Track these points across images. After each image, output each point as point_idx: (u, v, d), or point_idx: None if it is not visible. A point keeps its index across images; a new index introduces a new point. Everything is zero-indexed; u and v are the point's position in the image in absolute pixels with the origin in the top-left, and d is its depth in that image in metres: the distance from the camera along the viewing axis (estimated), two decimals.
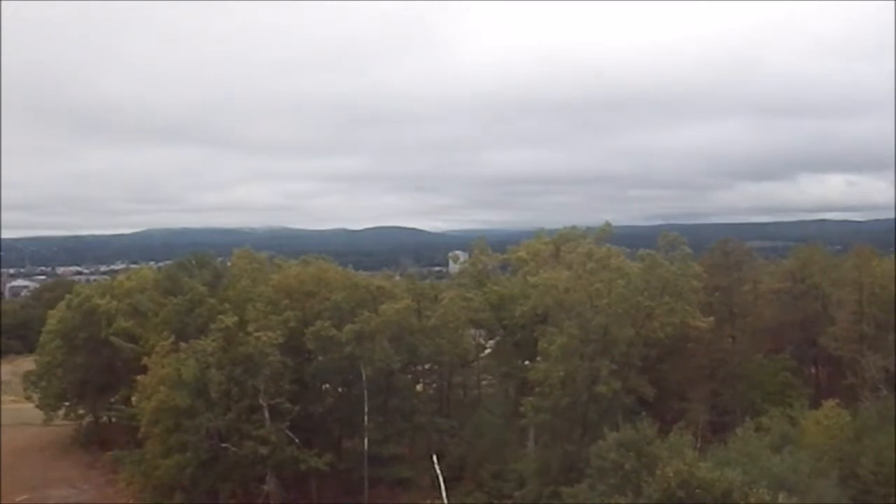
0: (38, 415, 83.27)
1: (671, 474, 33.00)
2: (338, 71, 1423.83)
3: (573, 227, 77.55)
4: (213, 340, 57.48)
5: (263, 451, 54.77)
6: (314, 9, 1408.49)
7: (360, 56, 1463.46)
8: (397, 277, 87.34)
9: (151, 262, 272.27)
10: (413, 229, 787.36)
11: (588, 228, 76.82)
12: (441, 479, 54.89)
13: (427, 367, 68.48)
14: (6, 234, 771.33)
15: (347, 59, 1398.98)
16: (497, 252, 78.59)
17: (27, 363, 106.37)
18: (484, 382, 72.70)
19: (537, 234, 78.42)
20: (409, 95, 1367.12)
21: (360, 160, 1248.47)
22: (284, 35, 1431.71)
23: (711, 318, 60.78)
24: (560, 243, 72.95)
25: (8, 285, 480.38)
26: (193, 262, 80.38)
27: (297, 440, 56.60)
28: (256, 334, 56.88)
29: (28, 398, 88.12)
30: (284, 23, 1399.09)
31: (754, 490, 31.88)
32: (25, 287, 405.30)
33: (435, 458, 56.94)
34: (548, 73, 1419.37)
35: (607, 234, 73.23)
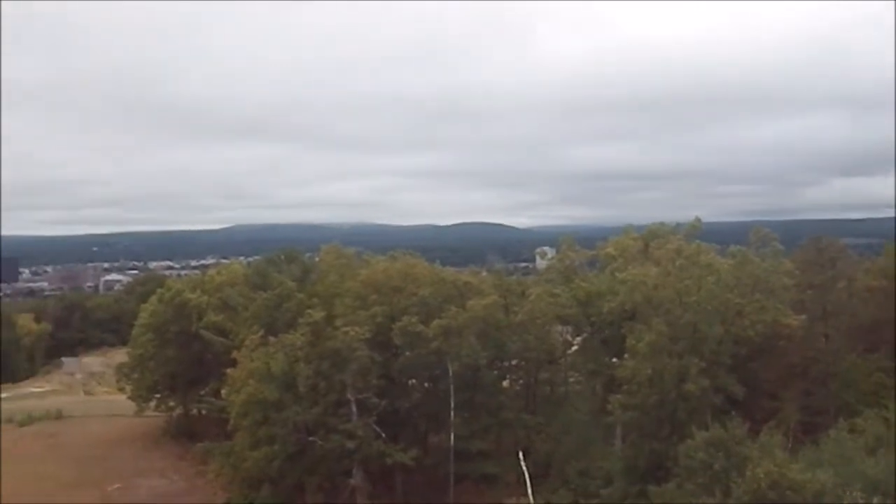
0: (131, 406, 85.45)
1: (761, 475, 32.68)
2: (424, 67, 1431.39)
3: (662, 224, 76.90)
4: (301, 335, 58.22)
5: (350, 445, 55.35)
6: (399, 7, 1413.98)
7: (445, 53, 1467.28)
8: (484, 273, 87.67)
9: (240, 258, 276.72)
10: (499, 225, 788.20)
11: (677, 224, 76.16)
12: (527, 476, 54.90)
13: (514, 363, 68.49)
14: (102, 230, 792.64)
15: (433, 56, 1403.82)
16: (584, 248, 78.28)
17: (120, 355, 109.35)
18: (571, 379, 72.43)
19: (625, 230, 77.90)
20: (495, 91, 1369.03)
21: (446, 156, 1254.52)
22: (370, 32, 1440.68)
23: (803, 316, 59.82)
24: (649, 239, 72.41)
25: (102, 279, 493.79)
26: (282, 257, 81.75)
27: (383, 435, 57.10)
28: (344, 329, 57.44)
29: (120, 390, 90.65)
30: (370, 21, 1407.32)
31: (848, 493, 31.42)
32: (119, 281, 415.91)
33: (521, 454, 56.93)
34: (634, 69, 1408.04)
35: (697, 231, 72.44)
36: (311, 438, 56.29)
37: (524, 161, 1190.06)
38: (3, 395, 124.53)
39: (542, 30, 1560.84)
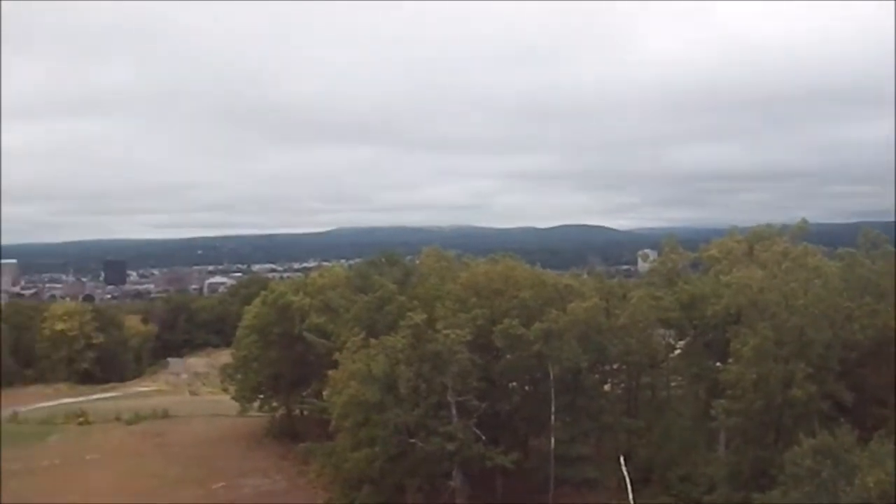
0: (234, 406, 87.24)
1: (871, 484, 32.21)
2: (524, 68, 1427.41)
3: (767, 225, 75.83)
4: (402, 337, 58.75)
5: (450, 447, 55.69)
6: (499, 7, 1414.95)
7: (545, 52, 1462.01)
8: (585, 276, 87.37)
9: (342, 260, 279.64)
10: (600, 227, 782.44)
11: (783, 226, 74.99)
12: (628, 481, 54.63)
13: (615, 366, 68.18)
14: (207, 234, 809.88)
15: (533, 56, 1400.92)
16: (687, 250, 77.50)
17: (224, 356, 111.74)
18: (673, 384, 71.84)
19: (730, 231, 76.94)
20: (595, 91, 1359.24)
21: (546, 158, 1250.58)
22: (470, 33, 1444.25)
23: None
24: (753, 241, 71.44)
25: (207, 282, 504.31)
26: (384, 260, 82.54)
27: (483, 437, 57.26)
28: (445, 332, 57.75)
29: (224, 390, 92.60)
30: (470, 21, 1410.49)
31: None
32: (223, 283, 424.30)
33: (622, 459, 56.67)
34: (735, 66, 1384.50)
35: (803, 232, 71.28)
36: (411, 440, 56.77)
37: (625, 162, 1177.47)
38: (112, 395, 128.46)
39: (642, 28, 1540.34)
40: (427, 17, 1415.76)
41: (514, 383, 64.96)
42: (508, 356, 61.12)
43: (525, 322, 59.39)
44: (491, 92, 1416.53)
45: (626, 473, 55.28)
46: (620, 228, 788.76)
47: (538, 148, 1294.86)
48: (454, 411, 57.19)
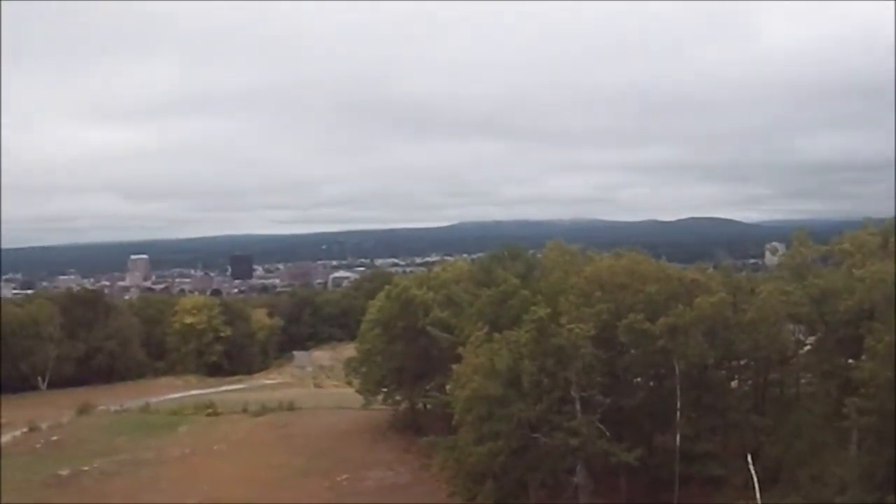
0: (358, 399, 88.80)
1: None
2: (648, 59, 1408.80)
3: None
4: (525, 331, 59.10)
5: (574, 442, 55.76)
6: None
7: (668, 44, 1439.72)
8: (711, 269, 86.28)
9: (464, 255, 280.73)
10: (726, 220, 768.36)
11: None
12: (755, 480, 53.88)
13: (742, 362, 67.18)
14: (331, 229, 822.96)
15: (656, 48, 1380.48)
16: (817, 244, 75.80)
17: (348, 350, 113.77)
18: (802, 381, 70.31)
19: (863, 224, 74.95)
20: (722, 81, 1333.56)
21: (670, 149, 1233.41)
22: (595, 25, 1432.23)
23: None
24: (889, 234, 69.57)
25: (331, 276, 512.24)
26: (506, 254, 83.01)
27: (607, 433, 57.16)
28: (569, 326, 57.82)
29: (349, 383, 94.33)
30: (594, 14, 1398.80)
31: None
32: (347, 278, 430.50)
33: (749, 457, 55.90)
34: (871, 52, 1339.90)
35: None
36: (534, 435, 57.05)
37: (752, 153, 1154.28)
38: (239, 387, 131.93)
39: (772, 15, 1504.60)
40: (549, 11, 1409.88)
41: (639, 379, 64.66)
42: (633, 351, 60.94)
43: (650, 317, 59.03)
44: (614, 84, 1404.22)
45: (753, 472, 54.48)
46: (747, 221, 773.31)
47: (662, 140, 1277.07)
48: (578, 406, 57.26)
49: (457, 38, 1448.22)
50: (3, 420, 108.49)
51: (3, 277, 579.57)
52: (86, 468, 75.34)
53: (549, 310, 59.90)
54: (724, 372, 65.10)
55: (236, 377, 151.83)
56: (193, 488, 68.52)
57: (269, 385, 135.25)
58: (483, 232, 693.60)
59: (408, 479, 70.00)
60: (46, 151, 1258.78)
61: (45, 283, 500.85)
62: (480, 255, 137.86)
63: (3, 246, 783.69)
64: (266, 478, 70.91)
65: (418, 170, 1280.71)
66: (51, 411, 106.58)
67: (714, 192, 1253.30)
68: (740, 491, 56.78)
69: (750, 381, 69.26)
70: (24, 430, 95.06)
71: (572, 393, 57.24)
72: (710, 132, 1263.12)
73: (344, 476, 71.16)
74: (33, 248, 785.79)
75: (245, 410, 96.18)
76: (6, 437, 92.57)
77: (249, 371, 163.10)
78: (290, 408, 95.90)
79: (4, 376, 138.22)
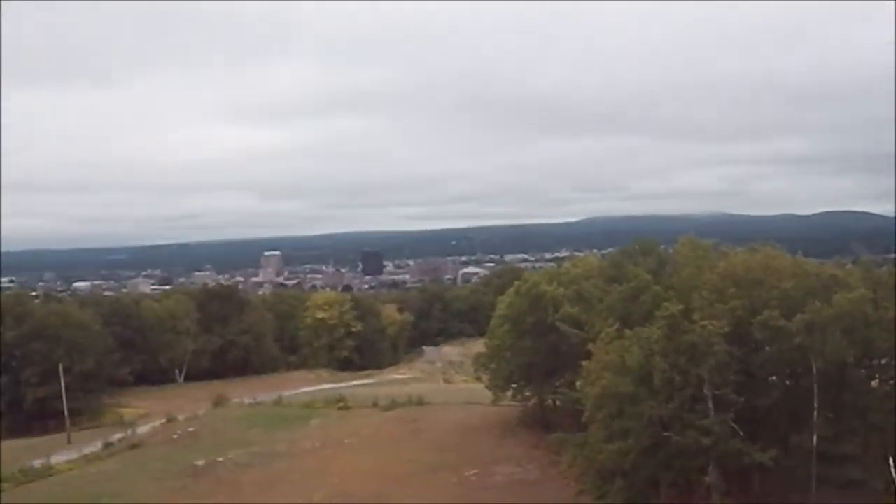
0: (487, 395, 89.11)
1: None
2: (779, 50, 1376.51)
3: None
4: (657, 328, 58.38)
5: (706, 441, 54.85)
6: None
7: (800, 34, 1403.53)
8: (850, 265, 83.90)
9: (594, 250, 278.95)
10: (865, 213, 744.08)
11: None
12: None
13: (883, 361, 64.92)
14: (460, 224, 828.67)
15: (788, 38, 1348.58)
16: None
17: (477, 346, 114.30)
18: None
19: None
20: (855, 71, 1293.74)
21: (806, 141, 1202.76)
22: (727, 16, 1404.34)
23: None
24: None
25: (461, 272, 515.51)
26: (638, 249, 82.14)
27: (741, 432, 56.08)
28: (702, 323, 56.87)
29: (478, 379, 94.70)
30: (722, 5, 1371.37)
31: None
32: (476, 274, 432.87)
33: (891, 460, 54.26)
34: None
35: None
36: (665, 433, 56.28)
37: (891, 143, 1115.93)
38: (370, 381, 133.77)
39: None
40: (680, 3, 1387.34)
41: (774, 377, 63.13)
42: (768, 349, 59.46)
43: (786, 313, 57.59)
44: (746, 76, 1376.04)
45: (895, 475, 52.96)
46: (887, 214, 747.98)
47: (800, 131, 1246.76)
48: (710, 405, 56.28)
49: (587, 32, 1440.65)
50: (143, 411, 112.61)
51: (143, 273, 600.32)
52: (220, 459, 77.45)
53: (681, 306, 59.04)
54: (863, 371, 62.94)
55: (367, 372, 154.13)
56: (324, 481, 69.80)
57: (398, 380, 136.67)
58: (613, 227, 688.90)
59: (536, 476, 69.92)
60: (184, 152, 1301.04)
61: (182, 279, 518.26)
62: (611, 250, 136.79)
63: (143, 243, 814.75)
64: (395, 472, 71.74)
65: (548, 165, 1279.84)
66: (187, 403, 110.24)
67: (851, 185, 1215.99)
68: (881, 495, 55.14)
69: (892, 381, 66.99)
70: (163, 420, 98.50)
71: (705, 391, 56.29)
72: (851, 122, 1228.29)
73: (473, 471, 71.46)
74: (171, 245, 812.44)
75: (375, 405, 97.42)
76: (145, 428, 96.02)
77: (380, 366, 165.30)
78: (420, 403, 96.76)
79: (144, 369, 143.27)
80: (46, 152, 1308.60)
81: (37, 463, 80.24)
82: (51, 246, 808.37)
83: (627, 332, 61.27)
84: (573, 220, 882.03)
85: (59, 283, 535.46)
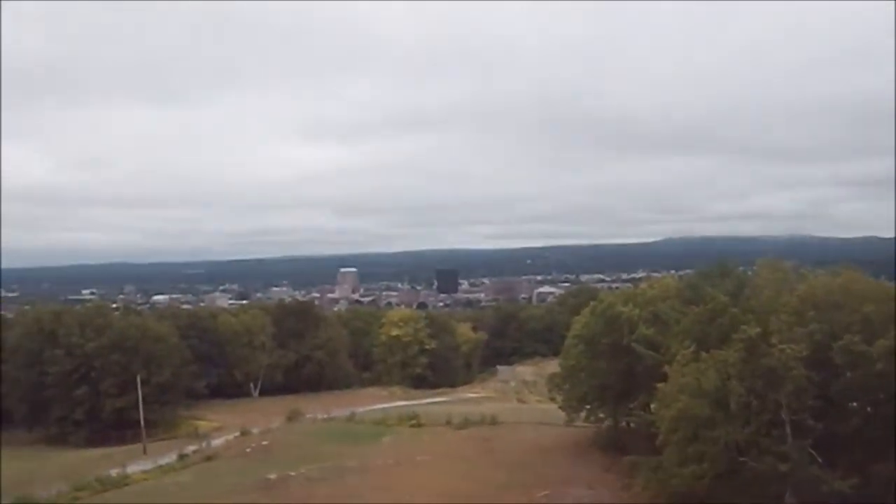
0: (560, 415, 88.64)
1: None
2: (858, 70, 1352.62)
3: None
4: (734, 351, 57.77)
5: (783, 468, 54.11)
6: (832, 8, 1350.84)
7: (883, 52, 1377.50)
8: None
9: (671, 271, 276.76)
10: None
11: None
12: None
13: None
14: (535, 244, 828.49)
15: (871, 57, 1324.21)
16: None
17: (551, 365, 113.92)
18: None
19: None
20: None
21: (888, 163, 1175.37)
22: (801, 37, 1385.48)
23: None
24: None
25: (535, 291, 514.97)
26: (716, 270, 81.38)
27: (819, 459, 55.18)
28: (780, 347, 56.18)
29: (552, 399, 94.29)
30: (801, 22, 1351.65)
31: None
32: (551, 293, 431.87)
33: None
34: None
35: None
36: (741, 459, 55.68)
37: None
38: (443, 399, 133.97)
39: None
40: (759, 23, 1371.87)
41: (854, 403, 61.98)
42: (848, 374, 58.47)
43: (867, 338, 56.64)
44: (828, 96, 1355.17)
45: None
46: None
47: (879, 152, 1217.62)
48: (788, 430, 55.48)
49: (666, 52, 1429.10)
50: (217, 424, 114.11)
51: (220, 288, 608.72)
52: (293, 473, 77.95)
53: (759, 329, 58.35)
54: None
55: (440, 390, 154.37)
56: (395, 497, 69.85)
57: (472, 398, 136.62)
58: (691, 248, 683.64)
59: (608, 499, 69.16)
60: (262, 169, 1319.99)
61: (259, 294, 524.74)
62: (688, 271, 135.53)
63: (221, 258, 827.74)
64: (467, 490, 71.57)
65: (626, 185, 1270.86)
66: (261, 417, 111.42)
67: None
68: None
69: None
70: (237, 434, 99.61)
71: (782, 416, 55.51)
72: None
73: (544, 492, 70.98)
74: (248, 260, 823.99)
75: (448, 423, 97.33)
76: (219, 441, 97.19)
77: (453, 384, 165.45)
78: (493, 422, 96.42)
79: (220, 382, 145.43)
80: (130, 168, 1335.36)
81: (113, 472, 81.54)
82: (131, 259, 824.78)
83: (704, 354, 60.69)
84: (650, 240, 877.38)
85: (138, 295, 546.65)
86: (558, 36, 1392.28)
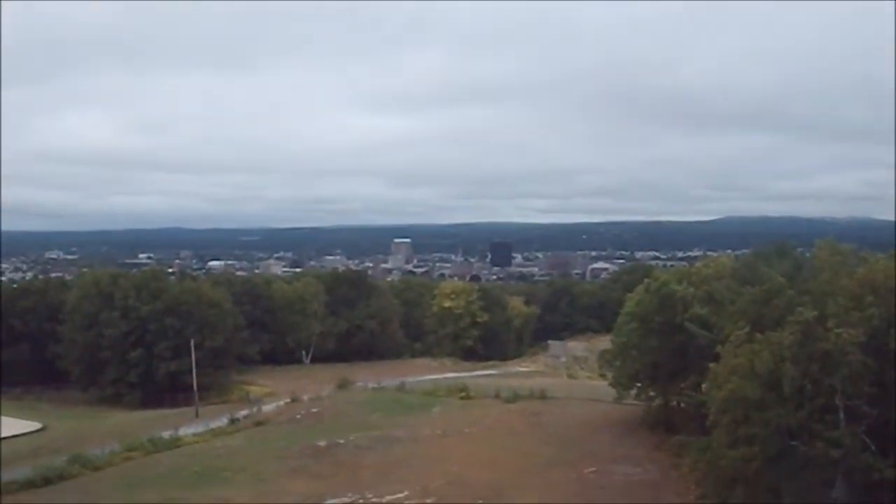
0: (611, 392, 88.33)
1: None
2: None
3: None
4: (789, 333, 56.88)
5: (835, 454, 53.21)
6: None
7: None
8: None
9: (728, 250, 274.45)
10: None
11: None
12: None
13: None
14: (591, 219, 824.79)
15: None
16: None
17: (603, 342, 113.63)
18: None
19: None
20: None
21: None
22: (872, 15, 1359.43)
23: None
24: None
25: (589, 267, 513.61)
26: (773, 251, 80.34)
27: (872, 447, 54.36)
28: (837, 331, 55.18)
29: (602, 376, 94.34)
30: (869, 4, 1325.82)
31: None
32: (605, 269, 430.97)
33: None
34: None
35: None
36: (792, 443, 54.94)
37: None
38: (492, 372, 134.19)
39: None
40: (820, 1, 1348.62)
41: None
42: None
43: None
44: (892, 76, 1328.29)
45: None
46: None
47: None
48: (842, 416, 54.61)
49: (730, 27, 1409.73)
50: (268, 390, 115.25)
51: (275, 255, 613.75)
52: (341, 441, 78.59)
53: (815, 312, 57.41)
54: None
55: (490, 363, 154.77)
56: (442, 468, 70.13)
57: (522, 372, 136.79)
58: (749, 227, 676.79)
59: (656, 477, 68.87)
60: (320, 138, 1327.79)
61: (312, 263, 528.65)
62: (745, 251, 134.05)
63: (276, 226, 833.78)
64: (514, 464, 71.64)
65: (684, 162, 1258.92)
66: (312, 384, 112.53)
67: None
68: None
69: None
70: (287, 400, 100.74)
71: (836, 401, 54.62)
72: None
73: (592, 468, 70.82)
74: (303, 228, 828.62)
75: (497, 396, 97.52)
76: (270, 406, 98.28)
77: (503, 357, 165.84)
78: (542, 396, 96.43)
79: (272, 349, 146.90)
80: (192, 134, 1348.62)
81: (166, 434, 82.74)
82: (188, 225, 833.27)
83: (758, 335, 59.88)
84: (707, 218, 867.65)
85: (194, 261, 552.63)
86: (621, 9, 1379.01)
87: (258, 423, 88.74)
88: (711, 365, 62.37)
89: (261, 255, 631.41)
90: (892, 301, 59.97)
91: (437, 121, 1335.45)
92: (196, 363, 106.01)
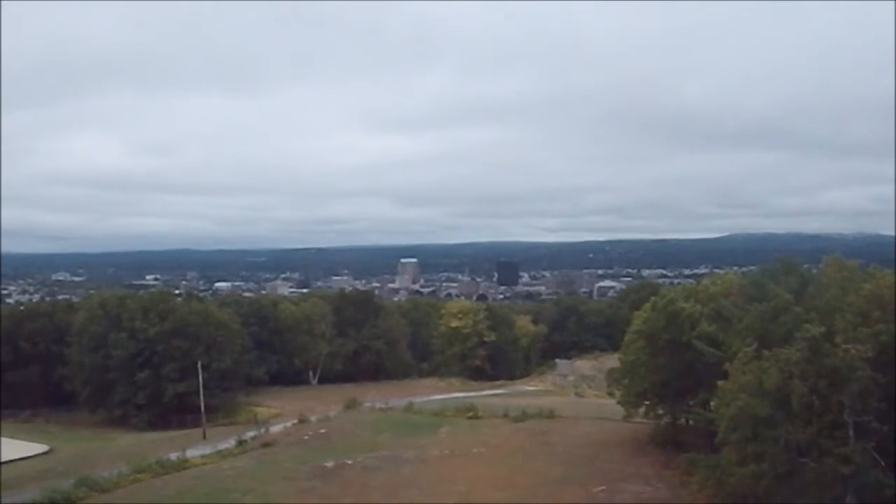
0: (619, 411, 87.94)
1: None
2: None
3: None
4: (797, 350, 56.85)
5: (845, 470, 53.13)
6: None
7: None
8: None
9: (734, 267, 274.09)
10: None
11: None
12: None
13: None
14: (598, 237, 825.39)
15: None
16: None
17: (611, 360, 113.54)
18: None
19: None
20: None
21: None
22: (873, 31, 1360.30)
23: None
24: None
25: (597, 285, 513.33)
26: (780, 267, 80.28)
27: (882, 462, 54.25)
28: (845, 347, 55.21)
29: (610, 394, 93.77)
30: (872, 19, 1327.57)
31: None
32: (612, 288, 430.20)
33: None
34: None
35: None
36: (802, 460, 54.84)
37: None
38: (500, 392, 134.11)
39: None
40: (835, 18, 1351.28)
41: None
42: None
43: None
44: None
45: None
46: None
47: None
48: (851, 432, 54.53)
49: (734, 46, 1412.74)
50: (276, 411, 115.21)
51: (282, 276, 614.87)
52: (349, 461, 78.45)
53: (823, 328, 57.38)
54: None
55: (498, 382, 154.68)
56: (451, 488, 70.00)
57: (530, 392, 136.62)
58: (755, 244, 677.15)
59: (665, 496, 68.67)
60: (327, 159, 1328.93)
61: (319, 283, 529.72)
62: (752, 268, 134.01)
63: (283, 247, 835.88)
64: (523, 483, 71.51)
65: (690, 179, 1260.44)
66: (320, 405, 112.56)
67: None
68: None
69: None
70: (295, 421, 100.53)
71: (845, 417, 54.54)
72: None
73: (600, 487, 70.65)
74: (310, 249, 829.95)
75: (505, 415, 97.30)
76: (278, 427, 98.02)
77: (511, 377, 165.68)
78: (551, 415, 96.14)
79: (279, 369, 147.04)
80: (199, 156, 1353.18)
81: (173, 456, 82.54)
82: (195, 246, 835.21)
83: (766, 352, 59.84)
84: (713, 236, 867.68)
85: (201, 282, 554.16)
86: (628, 29, 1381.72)
87: (266, 445, 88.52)
88: (720, 382, 62.32)
89: (268, 275, 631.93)
90: None
91: (443, 140, 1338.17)
92: (203, 384, 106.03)
